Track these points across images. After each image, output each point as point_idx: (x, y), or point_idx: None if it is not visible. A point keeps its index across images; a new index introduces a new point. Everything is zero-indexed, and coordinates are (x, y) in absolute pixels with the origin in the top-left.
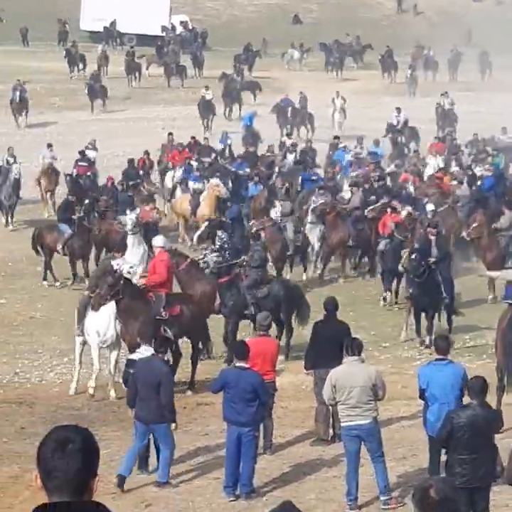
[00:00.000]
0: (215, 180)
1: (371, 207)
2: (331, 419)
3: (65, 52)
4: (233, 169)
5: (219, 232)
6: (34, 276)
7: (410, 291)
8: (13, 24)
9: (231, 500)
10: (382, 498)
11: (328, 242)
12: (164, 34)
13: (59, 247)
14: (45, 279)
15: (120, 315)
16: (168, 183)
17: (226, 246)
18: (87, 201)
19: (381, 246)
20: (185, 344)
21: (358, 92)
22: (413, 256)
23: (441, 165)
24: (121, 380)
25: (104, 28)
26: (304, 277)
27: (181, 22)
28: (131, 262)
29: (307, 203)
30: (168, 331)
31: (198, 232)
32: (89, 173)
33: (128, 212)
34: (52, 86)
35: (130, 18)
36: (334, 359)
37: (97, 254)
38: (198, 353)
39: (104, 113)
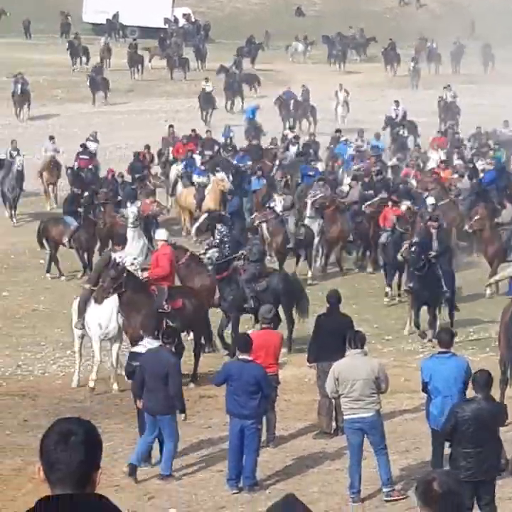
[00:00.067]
0: (220, 175)
1: (368, 202)
2: (333, 412)
3: (68, 44)
4: (235, 162)
5: (218, 226)
6: (37, 268)
7: (410, 285)
8: (16, 16)
9: (234, 493)
10: (384, 489)
11: (327, 236)
12: (167, 26)
13: (65, 239)
14: (48, 271)
15: (123, 308)
16: (172, 176)
17: (226, 239)
18: (86, 194)
19: (382, 239)
20: (187, 337)
21: (360, 85)
22: (413, 249)
23: (444, 158)
24: (123, 373)
25: (107, 20)
26: (310, 274)
27: (184, 14)
28: (131, 255)
29: (306, 197)
30: (170, 324)
31: (197, 224)
32: (90, 166)
33: (129, 205)
34: (55, 78)
35: (133, 11)
36: (337, 352)
37: (101, 247)
38: (200, 346)
39: (107, 105)
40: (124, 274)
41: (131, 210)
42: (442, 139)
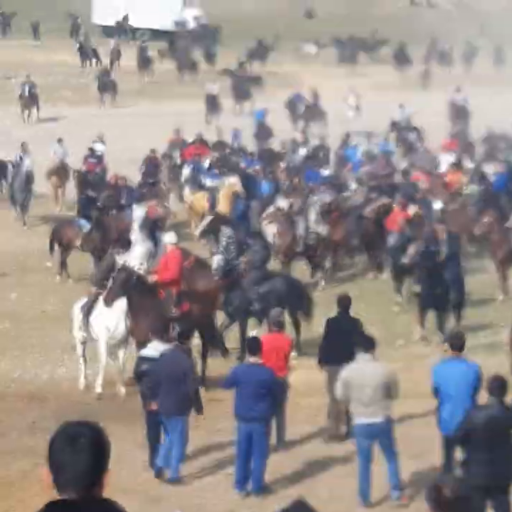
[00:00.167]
0: (232, 179)
1: (369, 208)
2: (343, 416)
3: (78, 45)
4: (243, 165)
5: (223, 228)
6: (45, 270)
7: (418, 289)
8: (25, 18)
9: (242, 497)
10: (393, 494)
11: (331, 240)
12: (177, 29)
13: (78, 242)
14: (60, 273)
15: (131, 311)
16: (181, 180)
17: (231, 245)
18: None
19: (391, 242)
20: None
21: (371, 87)
22: (420, 252)
23: (454, 161)
24: (132, 376)
25: (117, 22)
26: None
27: (194, 17)
28: (136, 258)
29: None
30: (177, 327)
31: (201, 227)
32: (98, 170)
33: (135, 208)
34: (64, 80)
35: (143, 13)
36: (347, 355)
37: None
38: (208, 349)
39: (116, 108)
40: (134, 277)
41: (138, 213)
42: (453, 141)
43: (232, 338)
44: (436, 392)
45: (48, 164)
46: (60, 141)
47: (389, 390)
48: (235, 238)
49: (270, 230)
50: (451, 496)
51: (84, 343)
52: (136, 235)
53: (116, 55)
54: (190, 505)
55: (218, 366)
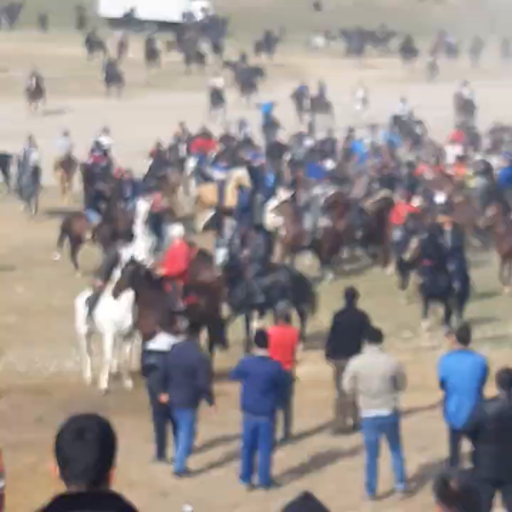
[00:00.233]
0: (240, 172)
1: (370, 201)
2: (350, 409)
3: (85, 37)
4: (248, 159)
5: (227, 220)
6: (52, 264)
7: (421, 281)
8: (32, 10)
9: (248, 490)
10: (398, 487)
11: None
12: (184, 20)
13: (88, 235)
14: (77, 267)
15: (138, 304)
16: (187, 172)
17: (235, 239)
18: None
19: (396, 236)
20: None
21: (378, 79)
22: (423, 245)
23: (460, 154)
24: (137, 369)
25: (124, 14)
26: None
27: (202, 8)
28: (140, 251)
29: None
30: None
31: (205, 220)
32: (104, 163)
33: (140, 201)
34: (71, 72)
35: (150, 5)
36: (354, 348)
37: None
38: (214, 342)
39: (123, 100)
40: (141, 270)
41: (142, 206)
42: (459, 134)
43: (235, 331)
44: (443, 384)
45: (54, 157)
46: (65, 134)
47: (396, 382)
48: (239, 231)
49: (277, 223)
50: (458, 488)
51: (88, 336)
52: (139, 229)
53: (123, 47)
54: (198, 498)
55: (224, 359)
